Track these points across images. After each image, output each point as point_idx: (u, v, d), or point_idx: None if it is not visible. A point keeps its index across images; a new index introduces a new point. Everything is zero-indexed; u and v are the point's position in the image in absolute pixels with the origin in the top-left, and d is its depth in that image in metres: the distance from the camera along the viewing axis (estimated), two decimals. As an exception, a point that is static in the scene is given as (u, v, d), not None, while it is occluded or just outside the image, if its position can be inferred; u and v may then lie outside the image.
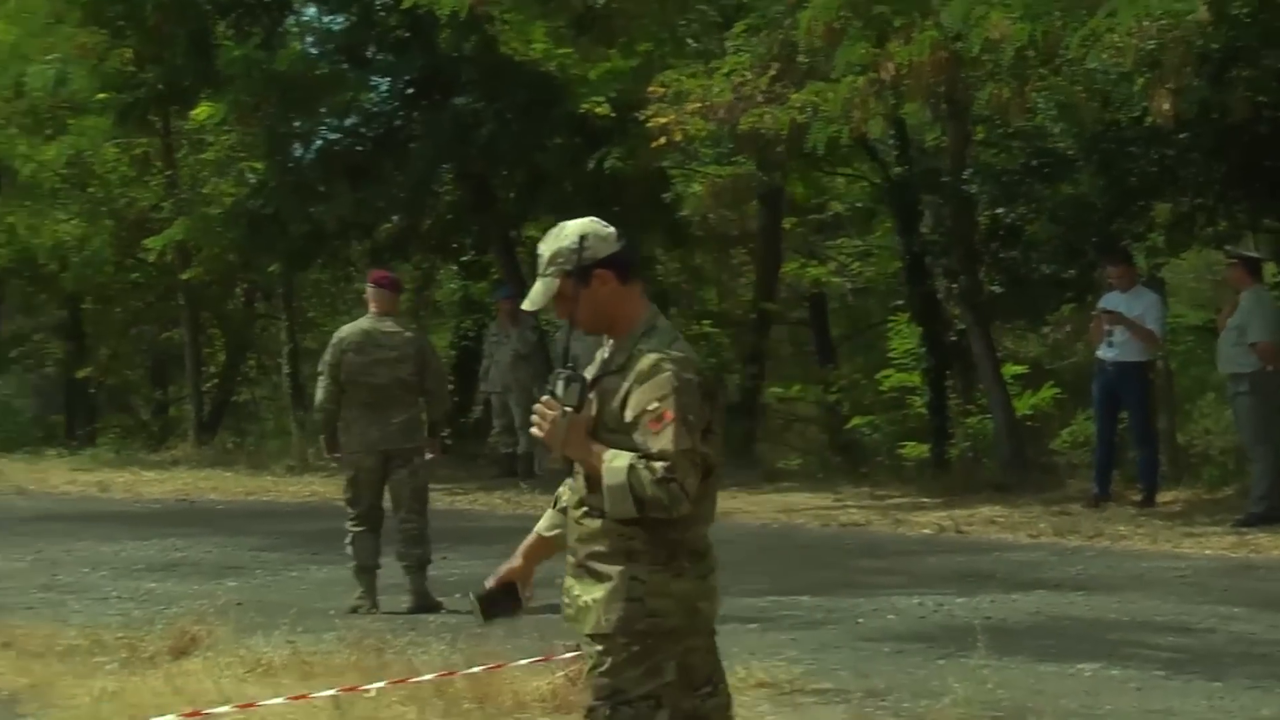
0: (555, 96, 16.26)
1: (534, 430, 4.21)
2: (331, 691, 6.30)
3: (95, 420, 25.16)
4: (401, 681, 6.47)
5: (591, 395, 4.12)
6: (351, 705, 6.28)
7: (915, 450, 17.29)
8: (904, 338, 17.71)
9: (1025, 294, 15.61)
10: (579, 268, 4.15)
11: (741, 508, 13.30)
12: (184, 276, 20.27)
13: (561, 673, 6.49)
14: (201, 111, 17.50)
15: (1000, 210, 15.75)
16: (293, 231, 17.41)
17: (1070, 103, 13.92)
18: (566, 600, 4.24)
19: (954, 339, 16.69)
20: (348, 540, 9.54)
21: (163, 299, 23.61)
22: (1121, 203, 14.64)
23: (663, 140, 13.32)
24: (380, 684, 6.42)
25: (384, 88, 18.39)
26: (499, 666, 6.59)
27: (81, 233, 21.18)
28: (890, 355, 18.03)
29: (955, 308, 16.23)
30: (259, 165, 18.94)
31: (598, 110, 16.07)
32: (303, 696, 6.28)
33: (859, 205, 19.42)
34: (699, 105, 12.95)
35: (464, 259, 20.47)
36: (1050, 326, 17.77)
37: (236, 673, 7.07)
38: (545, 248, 4.25)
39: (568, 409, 4.08)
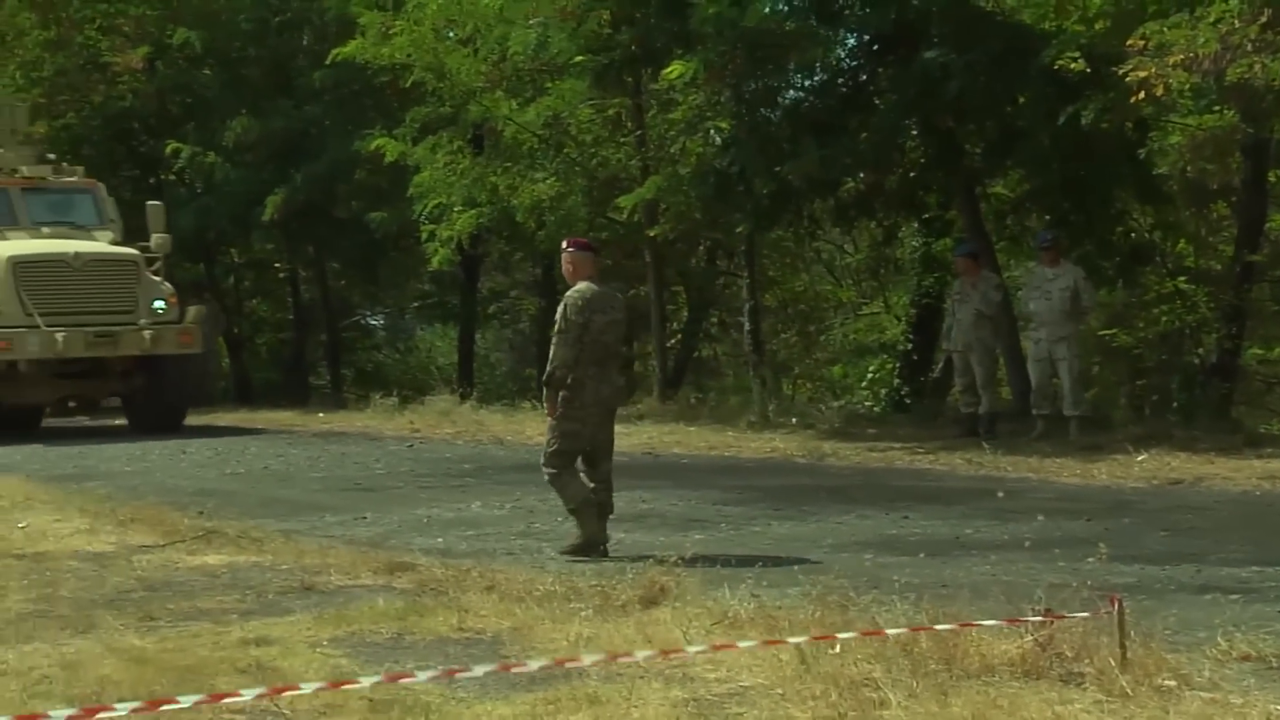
0: (1030, 48, 15.85)
1: None
2: (799, 639, 6.31)
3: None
4: (869, 634, 6.42)
5: None
6: (817, 659, 6.28)
7: None
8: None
9: None
10: None
11: (1221, 473, 12.74)
12: (650, 233, 20.74)
13: (1030, 637, 6.32)
14: (673, 70, 17.80)
15: None
16: (758, 189, 17.55)
17: None
18: None
19: None
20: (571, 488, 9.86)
21: (629, 257, 24.22)
22: None
23: (1142, 94, 12.83)
24: (847, 635, 6.39)
25: (851, 43, 18.33)
26: (965, 626, 6.46)
27: (556, 192, 21.89)
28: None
29: None
30: (725, 124, 19.18)
31: (1073, 66, 15.59)
32: (772, 643, 6.32)
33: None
34: (1183, 57, 12.39)
35: (927, 216, 20.24)
36: None
37: (704, 624, 7.17)
38: None
39: None
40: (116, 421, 22.52)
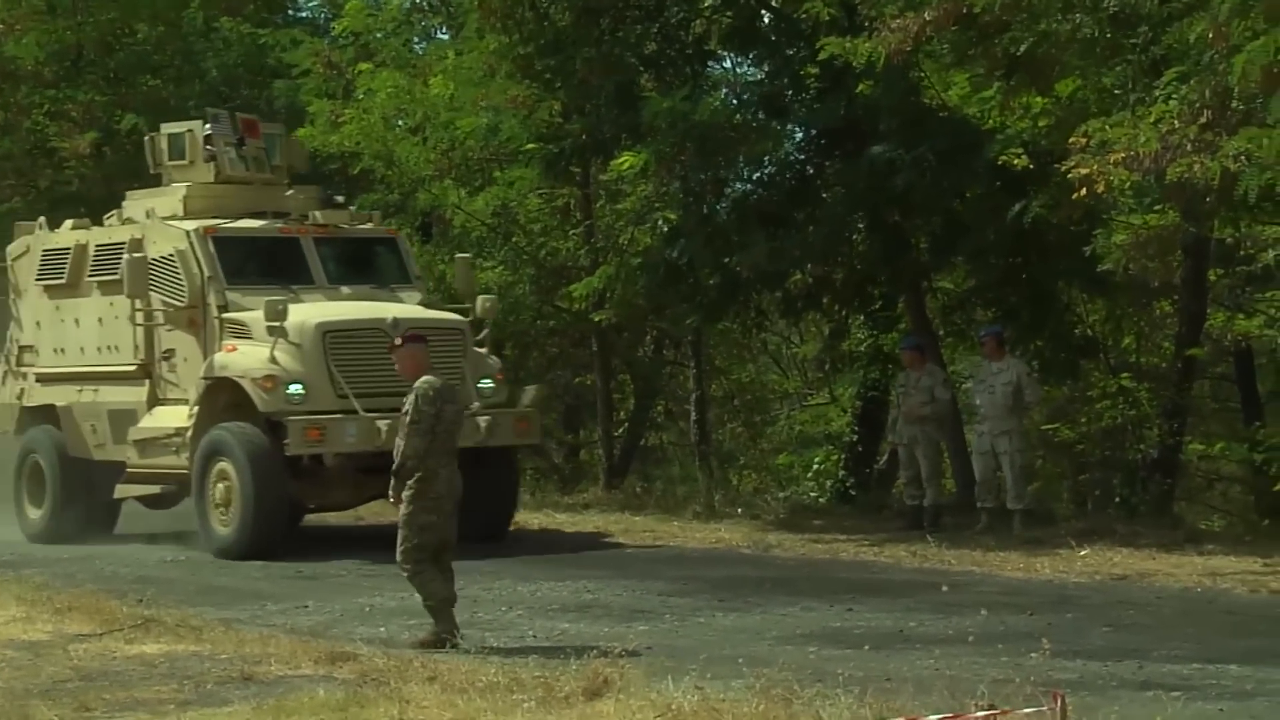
0: (975, 144, 16.05)
1: None
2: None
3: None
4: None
5: None
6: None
7: (1353, 517, 16.31)
8: (1342, 397, 16.77)
9: None
10: None
11: (1162, 569, 12.81)
12: (595, 318, 20.80)
13: (975, 733, 6.32)
14: (624, 161, 17.92)
15: None
16: (706, 280, 17.64)
17: None
18: None
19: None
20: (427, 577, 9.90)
21: (576, 345, 24.25)
22: None
23: (1084, 191, 12.99)
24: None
25: (799, 136, 18.50)
26: (910, 724, 6.45)
27: (504, 280, 21.94)
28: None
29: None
30: (673, 215, 19.31)
31: (1016, 162, 15.75)
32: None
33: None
34: (1124, 155, 12.57)
35: (874, 309, 20.37)
36: None
37: (647, 716, 7.15)
38: None
39: None
40: None
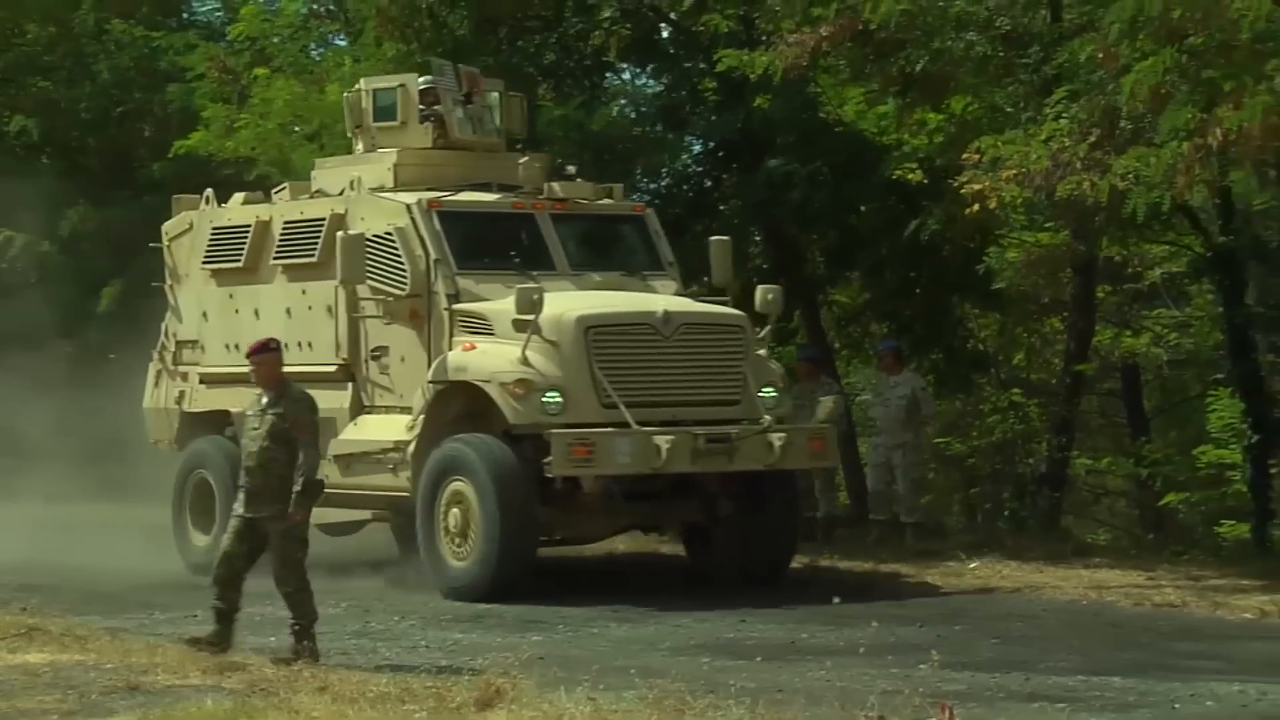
0: (871, 159, 16.19)
1: None
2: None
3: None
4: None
5: None
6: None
7: (1234, 530, 16.63)
8: (1224, 412, 17.08)
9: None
10: None
11: (1050, 581, 12.98)
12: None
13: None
14: (520, 171, 17.88)
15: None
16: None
17: None
18: None
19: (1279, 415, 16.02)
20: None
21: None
22: None
23: (976, 207, 13.17)
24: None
25: (697, 149, 18.58)
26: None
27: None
28: (1209, 430, 17.40)
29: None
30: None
31: (911, 177, 15.91)
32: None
33: (1178, 273, 18.86)
34: (1015, 172, 12.76)
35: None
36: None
37: (539, 727, 7.13)
38: None
39: None
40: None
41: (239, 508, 9.75)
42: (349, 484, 13.13)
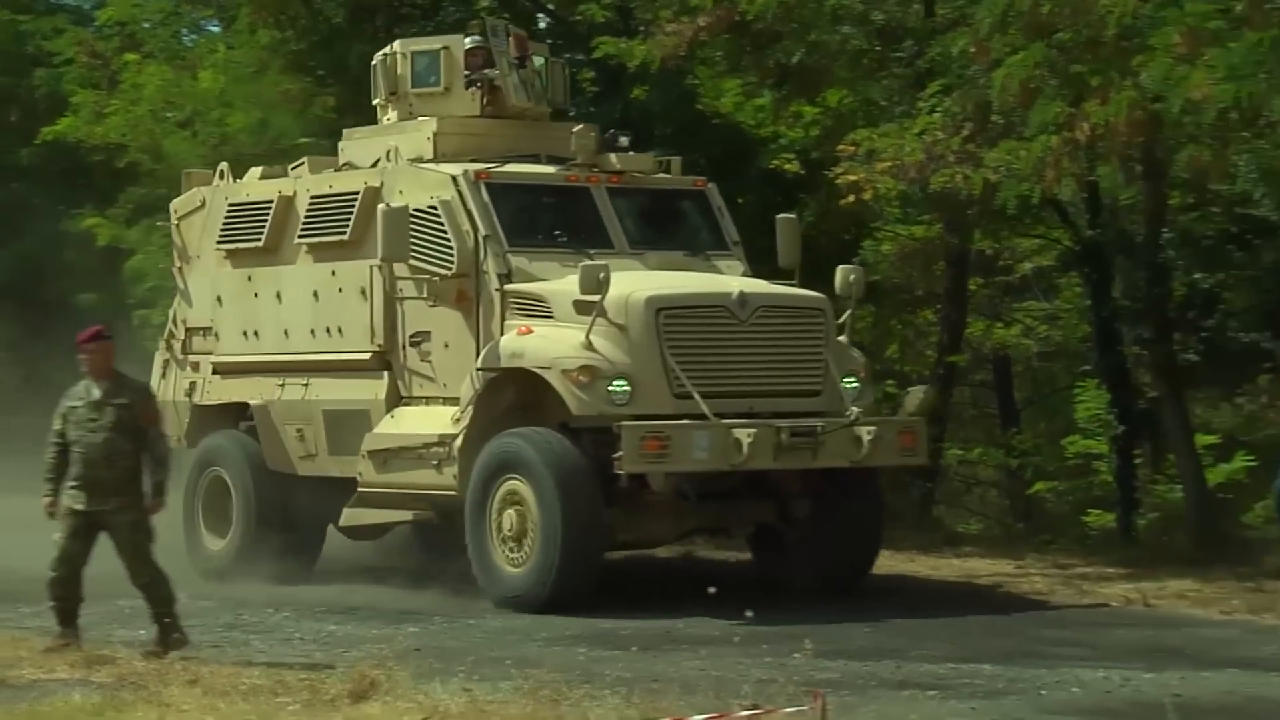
0: (748, 151, 16.26)
1: None
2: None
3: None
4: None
5: None
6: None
7: (1100, 519, 16.91)
8: (1091, 403, 17.37)
9: (1221, 363, 15.25)
10: None
11: (921, 570, 13.15)
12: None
13: (739, 732, 6.42)
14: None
15: (1198, 276, 15.41)
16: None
17: (1274, 168, 13.59)
18: None
19: (1144, 406, 16.33)
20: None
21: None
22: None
23: (852, 198, 13.29)
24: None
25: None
26: (675, 723, 6.53)
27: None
28: (1076, 421, 17.69)
29: (1147, 375, 15.89)
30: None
31: (788, 166, 16.01)
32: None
33: (1047, 266, 19.16)
34: (890, 164, 12.90)
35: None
36: (1245, 396, 17.30)
37: (414, 718, 7.10)
38: None
39: None
40: None
41: (74, 503, 9.42)
42: (385, 482, 12.18)
